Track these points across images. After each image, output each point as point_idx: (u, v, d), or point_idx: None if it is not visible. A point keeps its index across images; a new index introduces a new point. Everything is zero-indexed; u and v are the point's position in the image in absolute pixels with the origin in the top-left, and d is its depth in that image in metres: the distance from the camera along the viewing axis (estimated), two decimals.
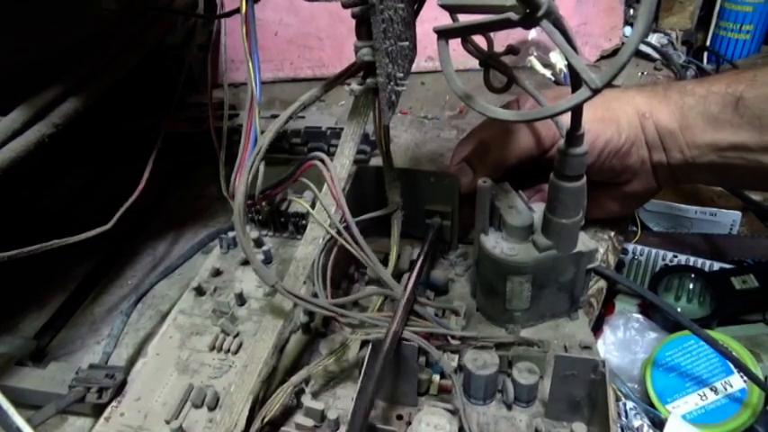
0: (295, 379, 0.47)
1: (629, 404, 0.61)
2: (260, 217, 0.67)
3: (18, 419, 0.38)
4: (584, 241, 0.51)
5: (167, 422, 0.47)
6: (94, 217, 0.59)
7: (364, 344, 0.51)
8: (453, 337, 0.49)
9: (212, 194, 0.80)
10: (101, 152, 0.90)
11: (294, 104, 0.48)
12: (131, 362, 0.56)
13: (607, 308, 0.79)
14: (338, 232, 0.49)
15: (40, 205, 0.82)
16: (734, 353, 0.65)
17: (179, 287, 0.67)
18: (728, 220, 0.92)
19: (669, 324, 0.74)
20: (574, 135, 0.44)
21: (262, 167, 0.55)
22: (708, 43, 1.42)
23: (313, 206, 0.52)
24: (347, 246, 0.48)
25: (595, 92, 0.35)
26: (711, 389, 0.64)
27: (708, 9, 1.40)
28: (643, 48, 1.12)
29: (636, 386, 0.69)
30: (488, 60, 0.51)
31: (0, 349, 0.57)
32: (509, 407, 0.48)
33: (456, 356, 0.49)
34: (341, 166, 0.50)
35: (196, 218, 0.78)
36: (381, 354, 0.44)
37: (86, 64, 0.65)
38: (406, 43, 0.48)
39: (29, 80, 0.59)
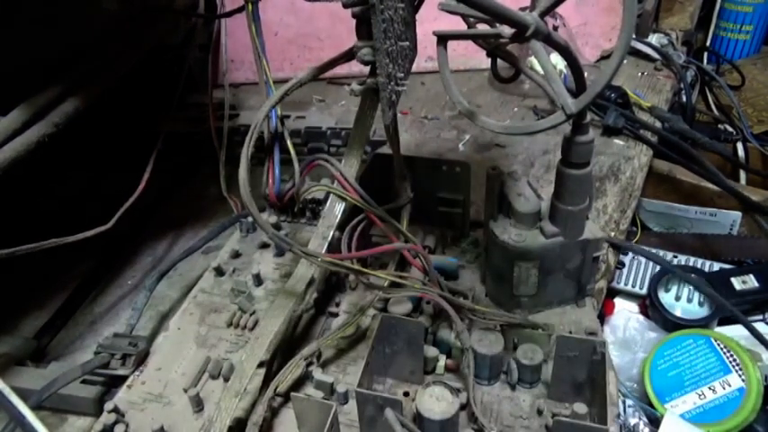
0: (305, 352, 0.49)
1: (628, 402, 0.61)
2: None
3: (24, 408, 0.38)
4: (591, 229, 0.52)
5: (185, 391, 0.49)
6: (95, 217, 0.59)
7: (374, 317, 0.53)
8: (463, 308, 0.50)
9: (212, 194, 0.80)
10: (101, 152, 0.90)
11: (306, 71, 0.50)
12: (152, 337, 0.58)
13: (607, 308, 0.79)
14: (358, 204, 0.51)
15: (41, 205, 0.82)
16: (732, 351, 0.65)
17: (179, 287, 0.67)
18: (728, 220, 0.92)
19: (668, 324, 0.74)
20: (580, 123, 0.45)
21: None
22: (708, 43, 1.42)
23: (326, 198, 0.54)
24: (368, 208, 0.50)
25: (569, 117, 0.36)
26: (710, 388, 0.64)
27: (708, 9, 1.40)
28: (643, 48, 1.12)
29: (635, 385, 0.69)
30: (495, 50, 0.51)
31: (0, 349, 0.57)
32: (513, 387, 0.49)
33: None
34: (349, 166, 0.51)
35: (196, 218, 0.78)
36: None
37: (86, 64, 0.65)
38: (407, 43, 0.48)
39: (29, 80, 0.60)
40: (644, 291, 0.80)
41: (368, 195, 0.51)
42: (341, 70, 0.51)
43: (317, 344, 0.50)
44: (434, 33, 0.43)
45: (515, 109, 0.99)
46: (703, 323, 0.72)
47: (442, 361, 0.50)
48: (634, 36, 1.10)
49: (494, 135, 0.91)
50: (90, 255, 0.72)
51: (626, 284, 0.82)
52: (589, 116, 0.45)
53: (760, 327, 0.74)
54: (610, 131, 0.89)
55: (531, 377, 0.49)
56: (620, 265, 0.84)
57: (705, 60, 1.40)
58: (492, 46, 0.51)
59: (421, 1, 0.50)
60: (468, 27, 0.47)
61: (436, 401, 0.43)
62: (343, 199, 0.51)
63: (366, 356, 0.46)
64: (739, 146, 1.14)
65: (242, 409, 0.47)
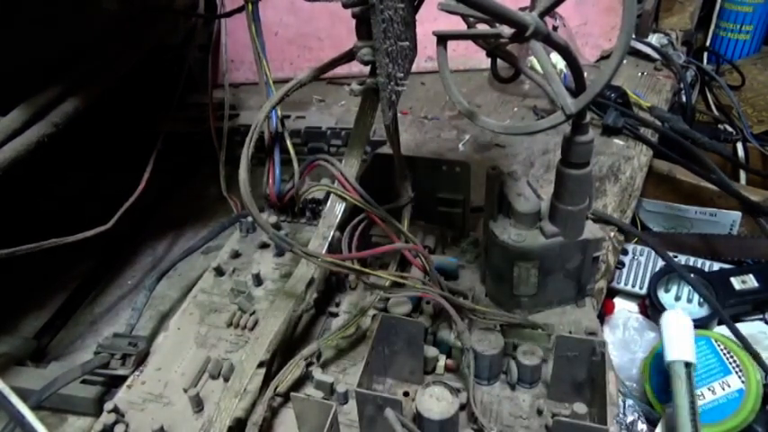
0: (305, 352, 0.49)
1: (628, 402, 0.61)
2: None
3: (23, 408, 0.38)
4: (591, 229, 0.52)
5: (185, 391, 0.49)
6: (95, 217, 0.59)
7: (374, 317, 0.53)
8: (463, 308, 0.50)
9: (212, 194, 0.80)
10: (101, 152, 0.90)
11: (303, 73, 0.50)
12: (152, 337, 0.58)
13: (607, 307, 0.79)
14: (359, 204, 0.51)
15: (41, 205, 0.82)
16: (732, 352, 0.65)
17: (179, 287, 0.67)
18: (728, 220, 0.92)
19: None
20: (579, 123, 0.45)
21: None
22: (708, 43, 1.42)
23: (326, 198, 0.55)
24: (369, 208, 0.50)
25: (569, 117, 0.36)
26: (709, 389, 0.64)
27: (708, 9, 1.40)
28: (643, 48, 1.12)
29: (635, 385, 0.69)
30: (495, 50, 0.51)
31: (0, 349, 0.57)
32: (513, 387, 0.49)
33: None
34: (350, 166, 0.51)
35: (196, 218, 0.78)
36: None
37: (86, 64, 0.65)
38: (407, 43, 0.48)
39: (29, 80, 0.60)
40: (644, 291, 0.80)
41: (368, 195, 0.51)
42: (341, 70, 0.51)
43: (317, 344, 0.50)
44: (434, 33, 0.43)
45: (515, 109, 0.99)
46: (703, 323, 0.72)
47: (442, 361, 0.51)
48: (634, 36, 1.10)
49: (494, 135, 0.91)
50: (90, 255, 0.72)
51: (626, 284, 0.82)
52: (589, 116, 0.45)
53: (759, 326, 0.74)
54: (610, 131, 0.89)
55: (531, 377, 0.49)
56: (620, 264, 0.84)
57: (705, 60, 1.40)
58: (492, 46, 0.51)
59: (421, 1, 0.50)
60: (468, 27, 0.47)
61: (436, 401, 0.43)
62: (344, 199, 0.51)
63: (366, 356, 0.46)
64: (739, 146, 1.14)
65: (242, 409, 0.48)
